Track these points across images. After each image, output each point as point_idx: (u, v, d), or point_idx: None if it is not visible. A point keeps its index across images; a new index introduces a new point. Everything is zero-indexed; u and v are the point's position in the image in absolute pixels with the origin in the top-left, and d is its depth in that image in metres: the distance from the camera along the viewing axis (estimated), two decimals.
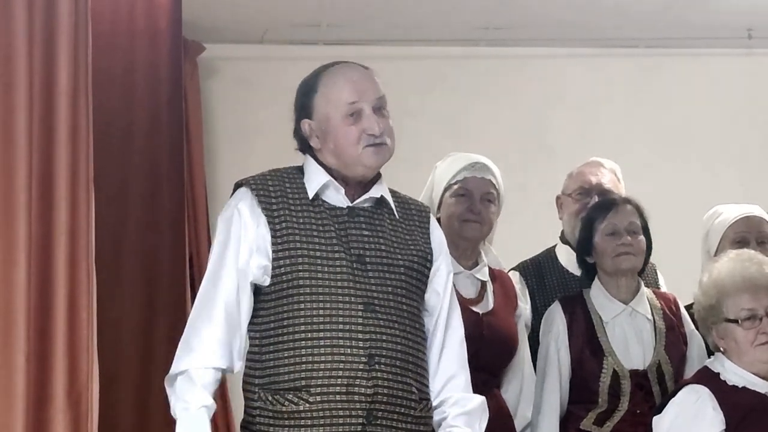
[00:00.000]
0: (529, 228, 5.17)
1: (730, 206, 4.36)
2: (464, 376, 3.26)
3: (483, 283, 3.92)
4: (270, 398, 3.12)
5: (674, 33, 5.86)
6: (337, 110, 3.20)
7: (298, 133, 3.29)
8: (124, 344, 5.08)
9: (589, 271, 4.04)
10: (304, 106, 3.26)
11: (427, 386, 3.26)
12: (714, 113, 6.05)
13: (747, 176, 5.87)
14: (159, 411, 5.01)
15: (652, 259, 4.09)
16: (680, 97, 6.05)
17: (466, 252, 3.92)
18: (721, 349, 3.59)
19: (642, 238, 3.97)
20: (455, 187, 3.94)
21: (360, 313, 3.13)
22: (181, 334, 3.24)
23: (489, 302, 3.90)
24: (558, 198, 4.47)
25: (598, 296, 3.98)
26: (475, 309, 3.79)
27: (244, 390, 3.21)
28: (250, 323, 3.19)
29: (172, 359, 3.21)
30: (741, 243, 4.17)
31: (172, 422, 4.90)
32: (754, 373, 3.53)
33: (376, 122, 3.19)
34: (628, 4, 5.56)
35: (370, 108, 3.20)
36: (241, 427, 3.22)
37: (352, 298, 3.13)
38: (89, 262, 3.88)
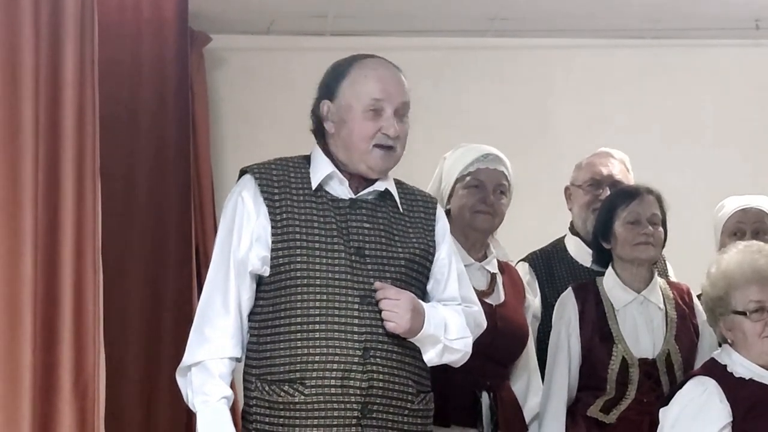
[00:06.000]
0: (534, 218, 5.17)
1: (734, 198, 4.37)
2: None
3: (493, 275, 3.92)
4: (267, 389, 3.12)
5: (681, 23, 5.84)
6: (360, 102, 3.21)
7: (315, 112, 3.29)
8: (131, 335, 5.08)
9: (602, 256, 4.04)
10: (329, 88, 3.27)
11: (427, 379, 3.26)
12: (721, 104, 6.03)
13: (754, 167, 5.85)
14: (165, 401, 5.03)
15: None
16: (687, 88, 6.03)
17: (475, 244, 3.92)
18: (729, 340, 3.59)
19: (661, 229, 3.98)
20: (468, 178, 3.93)
21: (356, 306, 3.13)
22: (188, 324, 3.24)
23: (500, 294, 3.91)
24: (567, 189, 4.47)
25: (611, 284, 3.99)
26: (487, 301, 3.79)
27: (243, 380, 3.22)
28: (250, 313, 3.20)
29: (179, 349, 3.21)
30: (738, 235, 4.18)
31: (178, 413, 4.96)
32: (761, 366, 3.53)
33: (393, 125, 3.20)
34: None
35: (392, 110, 3.22)
36: (241, 416, 3.23)
37: (349, 290, 3.14)
38: (95, 253, 3.87)
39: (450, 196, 3.96)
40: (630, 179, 4.40)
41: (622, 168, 4.41)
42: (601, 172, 4.37)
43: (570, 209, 4.46)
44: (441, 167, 4.04)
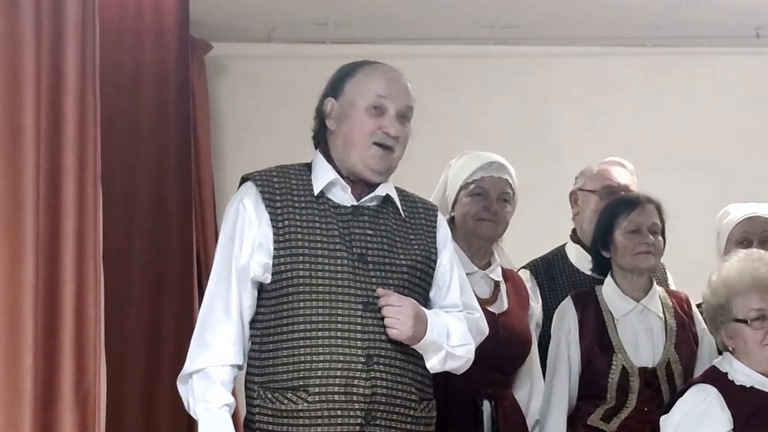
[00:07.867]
0: (535, 226, 5.17)
1: (739, 205, 4.36)
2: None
3: (497, 283, 3.92)
4: (270, 396, 3.12)
5: (682, 32, 5.85)
6: (364, 99, 3.22)
7: (318, 110, 3.30)
8: (132, 342, 5.08)
9: (601, 264, 4.04)
10: (335, 87, 3.28)
11: (429, 386, 3.26)
12: (722, 112, 6.04)
13: (755, 175, 5.86)
14: (166, 409, 5.02)
15: None
16: (688, 96, 6.04)
17: (479, 252, 3.91)
18: (730, 348, 3.59)
19: (661, 238, 3.99)
20: (471, 186, 3.93)
21: (359, 313, 3.13)
22: (189, 331, 3.24)
23: (503, 302, 3.90)
24: (573, 193, 4.46)
25: (611, 293, 3.99)
26: (490, 309, 3.78)
27: (245, 388, 3.21)
28: (252, 320, 3.20)
29: (180, 356, 3.21)
30: (744, 243, 4.18)
31: (179, 420, 4.96)
32: (761, 373, 3.54)
33: (395, 124, 3.20)
34: (636, 3, 5.56)
35: (395, 110, 3.22)
36: (243, 424, 3.23)
37: (352, 297, 3.14)
38: (96, 260, 3.87)
39: (454, 203, 3.95)
40: (635, 189, 4.40)
41: (633, 179, 4.43)
42: (618, 181, 4.37)
43: (575, 214, 4.45)
44: (446, 174, 4.04)
